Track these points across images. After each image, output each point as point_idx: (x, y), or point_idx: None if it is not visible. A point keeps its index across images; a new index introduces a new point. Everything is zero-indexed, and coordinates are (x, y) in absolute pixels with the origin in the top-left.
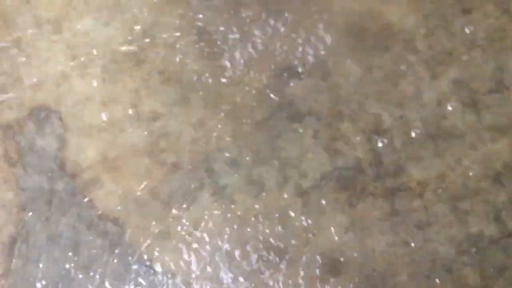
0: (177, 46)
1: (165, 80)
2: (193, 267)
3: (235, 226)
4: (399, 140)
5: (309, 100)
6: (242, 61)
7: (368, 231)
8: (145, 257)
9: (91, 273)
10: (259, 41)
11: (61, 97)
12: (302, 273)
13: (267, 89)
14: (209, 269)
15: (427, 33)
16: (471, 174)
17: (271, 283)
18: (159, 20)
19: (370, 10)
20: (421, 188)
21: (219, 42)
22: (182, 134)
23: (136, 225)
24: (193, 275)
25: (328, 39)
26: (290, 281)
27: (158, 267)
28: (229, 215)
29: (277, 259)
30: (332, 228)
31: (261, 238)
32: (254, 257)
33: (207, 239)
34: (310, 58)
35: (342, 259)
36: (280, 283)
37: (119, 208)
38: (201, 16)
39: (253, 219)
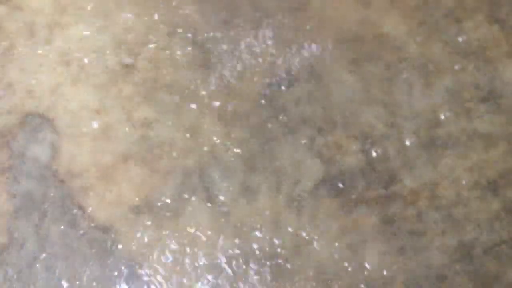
0: (170, 53)
1: (158, 87)
2: (185, 276)
3: (228, 234)
4: (392, 148)
5: (302, 108)
6: (235, 69)
7: (362, 239)
8: (137, 265)
9: (82, 281)
10: (252, 49)
11: (53, 104)
12: (295, 281)
13: (260, 97)
14: (201, 277)
15: (420, 42)
16: (464, 182)
17: None
18: (152, 28)
19: (363, 19)
20: (414, 196)
21: (212, 50)
22: (175, 141)
23: (127, 233)
24: (186, 283)
25: (321, 47)
26: None
27: (149, 275)
28: (222, 222)
29: (271, 267)
30: (325, 236)
31: (254, 245)
32: (247, 265)
33: (199, 247)
34: (303, 67)
35: (335, 267)
36: None
37: (111, 215)
38: (194, 24)
39: (246, 226)
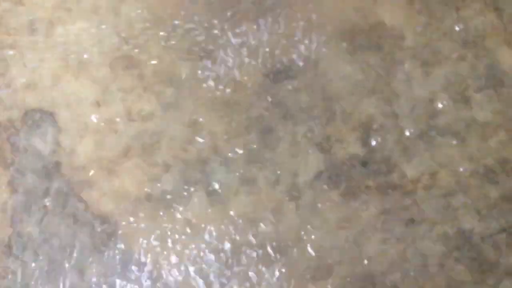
0: (169, 47)
1: (158, 81)
2: (185, 267)
3: (229, 226)
4: (390, 138)
5: (301, 99)
6: (234, 61)
7: (361, 229)
8: (139, 257)
9: (86, 273)
10: (250, 41)
11: (54, 98)
12: (294, 272)
13: (259, 89)
14: (200, 269)
15: (418, 31)
16: (462, 171)
17: (264, 282)
18: (151, 22)
19: (360, 9)
20: (413, 186)
21: (211, 42)
22: (175, 133)
23: (129, 226)
24: (187, 275)
25: (319, 38)
26: (283, 280)
27: (151, 267)
28: (222, 214)
29: (270, 258)
30: (325, 226)
31: (254, 237)
32: (247, 256)
33: (200, 238)
34: (302, 57)
35: (334, 257)
36: (273, 283)
37: (112, 208)
38: (192, 18)
39: (246, 218)
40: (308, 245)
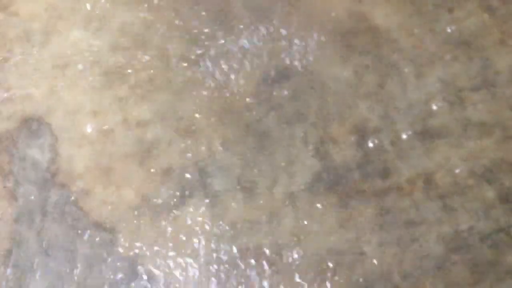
0: (164, 54)
1: (154, 88)
2: (185, 273)
3: (227, 230)
4: (386, 140)
5: (296, 103)
6: (230, 66)
7: (359, 231)
8: (138, 264)
9: (85, 282)
10: (246, 46)
11: (51, 108)
12: (294, 275)
13: (255, 93)
14: (200, 274)
15: (412, 33)
16: (459, 171)
17: (262, 286)
18: (146, 30)
19: (355, 12)
20: (410, 187)
21: (206, 49)
22: (171, 141)
23: (128, 233)
24: (185, 280)
25: (315, 42)
26: (281, 284)
27: (151, 274)
28: (219, 219)
29: (269, 262)
30: (323, 229)
31: (253, 242)
32: (245, 260)
33: (199, 244)
34: (298, 61)
35: (334, 260)
36: (271, 286)
37: (111, 216)
38: (188, 24)
39: (244, 222)
40: (306, 248)
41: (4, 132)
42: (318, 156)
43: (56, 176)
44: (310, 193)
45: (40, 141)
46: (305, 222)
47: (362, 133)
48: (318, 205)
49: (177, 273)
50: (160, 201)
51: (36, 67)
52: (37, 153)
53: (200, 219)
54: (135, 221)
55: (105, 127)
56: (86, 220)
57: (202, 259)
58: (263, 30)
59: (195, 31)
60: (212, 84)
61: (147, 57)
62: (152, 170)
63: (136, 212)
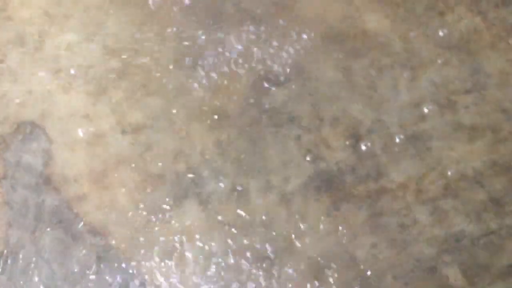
0: (158, 58)
1: (148, 92)
2: (179, 277)
3: (222, 234)
4: (379, 143)
5: (289, 106)
6: (223, 70)
7: (352, 234)
8: (132, 269)
9: (79, 286)
10: (238, 49)
11: (45, 112)
12: (288, 279)
13: (248, 97)
14: (195, 278)
15: (403, 37)
16: (450, 174)
17: None
18: (140, 33)
19: (346, 16)
20: (403, 190)
21: (199, 53)
22: (166, 145)
23: (123, 237)
24: (179, 285)
25: (306, 45)
26: (276, 286)
27: (145, 279)
28: (214, 223)
29: (263, 266)
30: (316, 232)
31: (246, 245)
32: (240, 264)
33: (193, 248)
34: (289, 65)
35: (327, 263)
36: None
37: (105, 221)
38: (181, 28)
39: (238, 225)
40: (300, 251)
41: None
42: (310, 160)
43: (50, 180)
44: (303, 196)
45: (34, 145)
46: (298, 225)
47: (354, 136)
48: (311, 208)
49: (170, 278)
50: (153, 205)
51: (30, 72)
52: (31, 157)
53: (193, 223)
54: (128, 226)
55: (99, 131)
56: (80, 224)
57: (196, 264)
58: (255, 34)
59: (188, 36)
60: (205, 88)
61: (140, 62)
62: (146, 174)
63: (129, 217)
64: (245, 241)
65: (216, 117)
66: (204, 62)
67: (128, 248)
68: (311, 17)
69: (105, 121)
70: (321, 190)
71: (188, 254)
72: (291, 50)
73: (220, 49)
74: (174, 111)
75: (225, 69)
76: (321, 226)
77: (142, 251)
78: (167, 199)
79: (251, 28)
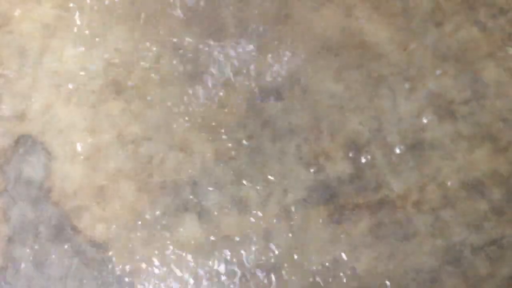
0: (158, 71)
1: (147, 105)
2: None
3: (221, 246)
4: (378, 154)
5: (289, 118)
6: (222, 83)
7: (352, 245)
8: (133, 280)
9: None
10: (237, 62)
11: (45, 126)
12: None
13: (247, 109)
14: None
15: (401, 48)
16: (450, 184)
17: None
18: (139, 47)
19: (345, 28)
20: (403, 201)
21: (199, 65)
22: (165, 157)
23: (123, 250)
24: None
25: (306, 57)
26: None
27: None
28: (214, 235)
29: (264, 277)
30: (316, 243)
31: (247, 257)
32: (241, 276)
33: (193, 260)
34: (289, 77)
35: (329, 274)
36: None
37: (105, 233)
38: (180, 41)
39: (238, 237)
40: (301, 263)
41: None
42: (311, 171)
43: (50, 193)
44: (304, 208)
45: (34, 159)
46: (299, 237)
47: (354, 147)
48: (312, 220)
49: None
50: (153, 217)
51: (30, 85)
52: (31, 171)
53: (193, 234)
54: (128, 238)
55: (99, 144)
56: (80, 237)
57: (196, 276)
58: (254, 45)
59: (188, 49)
60: (205, 100)
61: (139, 74)
62: (145, 186)
63: (129, 229)
64: (245, 253)
65: (215, 129)
66: (205, 74)
67: (127, 261)
68: (309, 28)
69: (104, 134)
70: (321, 202)
71: (187, 267)
72: (290, 62)
73: (219, 62)
74: (174, 123)
75: (224, 81)
76: (322, 237)
77: (141, 263)
78: (166, 211)
79: (250, 40)
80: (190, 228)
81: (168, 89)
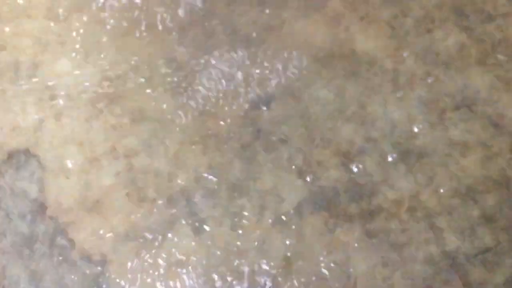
0: (151, 83)
1: (140, 117)
2: None
3: (215, 257)
4: (371, 162)
5: (281, 128)
6: (214, 94)
7: (347, 254)
8: None
9: None
10: (230, 73)
11: (39, 140)
12: None
13: (240, 119)
14: None
15: (392, 55)
16: (443, 191)
17: None
18: (132, 59)
19: (335, 37)
20: (396, 208)
21: (191, 77)
22: (159, 170)
23: (117, 264)
24: None
25: (297, 66)
26: None
27: None
28: (208, 247)
29: (262, 286)
30: (311, 253)
31: (242, 268)
32: (237, 286)
33: (188, 273)
34: (280, 87)
35: (323, 284)
36: None
37: (100, 247)
38: (173, 53)
39: (233, 249)
40: (296, 272)
41: None
42: (304, 180)
43: (44, 208)
44: (298, 217)
45: (28, 173)
46: (294, 246)
47: (347, 156)
48: (306, 229)
49: None
50: (148, 230)
51: (24, 99)
52: (25, 185)
53: (188, 247)
54: (123, 252)
55: (93, 157)
56: (74, 252)
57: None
58: (245, 56)
59: (180, 60)
60: (198, 111)
61: (132, 87)
62: (140, 199)
63: (124, 242)
64: (240, 264)
65: (208, 140)
66: (196, 86)
67: (123, 274)
68: (300, 39)
69: (98, 147)
70: (315, 211)
71: (182, 279)
72: (282, 72)
73: (211, 73)
74: (167, 136)
75: (217, 92)
76: (316, 247)
77: (137, 277)
78: (160, 224)
79: (242, 51)
80: (184, 240)
81: (161, 101)
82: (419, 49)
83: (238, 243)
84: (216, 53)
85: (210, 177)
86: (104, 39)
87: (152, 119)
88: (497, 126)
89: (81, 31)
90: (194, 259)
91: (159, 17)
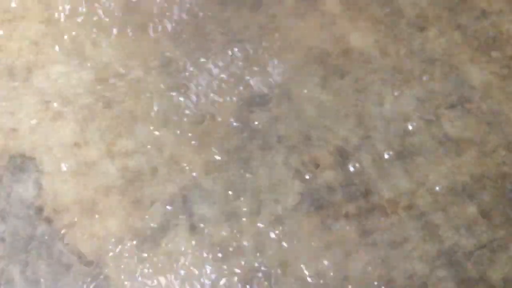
0: (146, 85)
1: (136, 119)
2: None
3: (213, 258)
4: (367, 160)
5: (277, 127)
6: (209, 94)
7: (344, 252)
8: None
9: None
10: (224, 72)
11: (35, 143)
12: None
13: (235, 120)
14: None
15: (386, 53)
16: (439, 189)
17: None
18: (127, 61)
19: (329, 36)
20: (393, 206)
21: (186, 78)
22: (155, 171)
23: (115, 266)
24: None
25: (292, 65)
26: None
27: None
28: (206, 247)
29: (258, 285)
30: (308, 252)
31: (240, 268)
32: (233, 287)
33: (185, 274)
34: (275, 86)
35: (320, 282)
36: None
37: (97, 249)
38: (168, 54)
39: (230, 248)
40: (293, 271)
41: None
42: (300, 179)
43: (41, 211)
44: (295, 216)
45: (24, 176)
46: (291, 245)
47: (342, 155)
48: (303, 228)
49: None
50: (145, 231)
51: (19, 103)
52: (22, 188)
53: (185, 247)
54: (121, 253)
55: (89, 159)
56: (72, 254)
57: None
58: (240, 56)
59: (175, 61)
60: (193, 112)
61: (127, 89)
62: (136, 201)
63: (122, 245)
64: (237, 264)
65: (204, 140)
66: (191, 86)
67: (121, 275)
68: (295, 38)
69: (94, 149)
70: (311, 210)
71: (180, 280)
72: (276, 72)
73: (206, 73)
74: (162, 137)
75: (212, 93)
76: (313, 246)
77: (134, 278)
78: (157, 225)
79: (236, 51)
80: (181, 241)
81: (156, 102)
82: (413, 47)
83: (235, 242)
84: (210, 54)
85: (206, 177)
86: (100, 41)
87: (147, 121)
88: (491, 123)
89: (75, 34)
90: (191, 258)
91: (154, 19)
